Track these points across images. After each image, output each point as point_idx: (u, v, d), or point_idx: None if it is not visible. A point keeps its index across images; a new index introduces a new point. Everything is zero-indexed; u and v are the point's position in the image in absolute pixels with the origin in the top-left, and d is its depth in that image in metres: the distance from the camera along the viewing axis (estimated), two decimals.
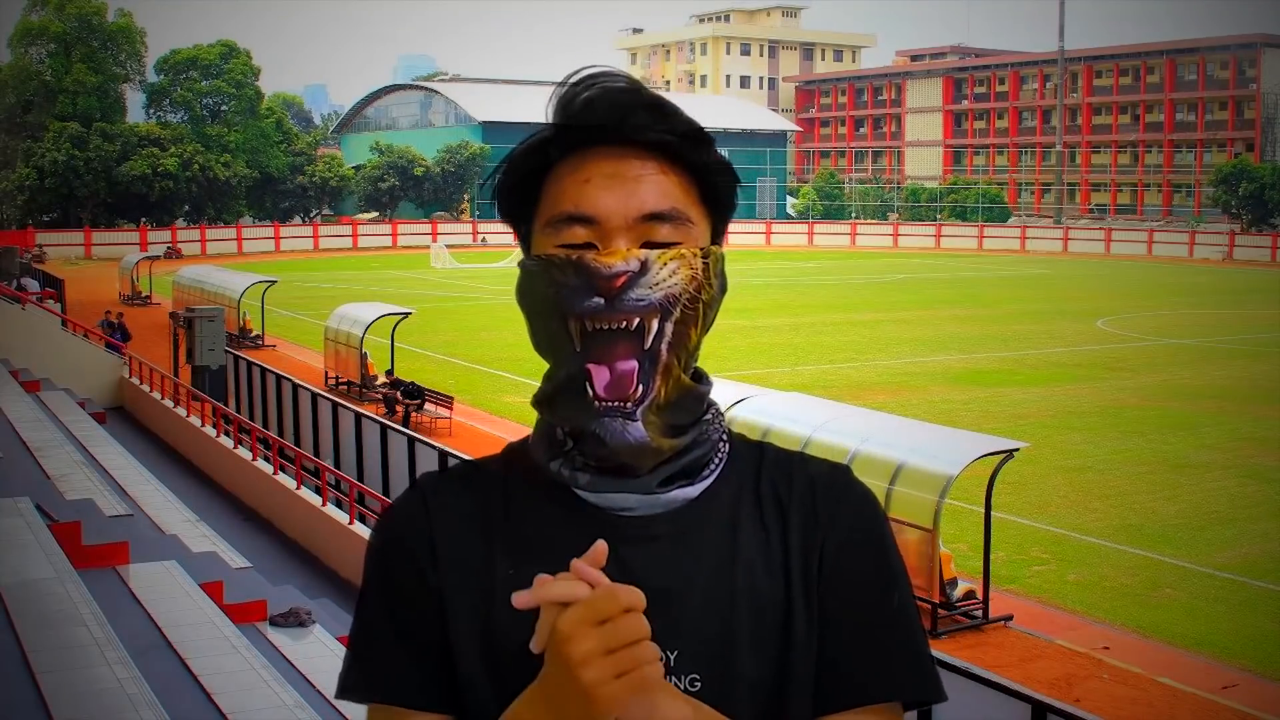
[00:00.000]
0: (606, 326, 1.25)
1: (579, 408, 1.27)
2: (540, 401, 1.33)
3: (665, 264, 1.25)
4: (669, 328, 1.26)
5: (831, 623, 1.30)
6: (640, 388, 1.26)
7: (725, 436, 1.36)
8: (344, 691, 1.33)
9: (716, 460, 1.33)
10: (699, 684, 1.24)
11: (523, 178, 1.32)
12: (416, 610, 1.31)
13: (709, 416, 1.34)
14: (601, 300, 1.24)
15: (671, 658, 1.23)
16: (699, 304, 1.27)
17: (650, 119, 1.28)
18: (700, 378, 1.34)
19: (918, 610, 1.36)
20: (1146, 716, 9.80)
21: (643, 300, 1.24)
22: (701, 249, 1.28)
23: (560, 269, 1.25)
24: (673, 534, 1.29)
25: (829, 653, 1.29)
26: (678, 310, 1.25)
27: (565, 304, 1.26)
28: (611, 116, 1.27)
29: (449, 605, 1.29)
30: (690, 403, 1.31)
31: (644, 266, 1.24)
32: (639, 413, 1.26)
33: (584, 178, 1.27)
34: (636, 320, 1.25)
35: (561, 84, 1.32)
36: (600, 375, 1.26)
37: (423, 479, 1.40)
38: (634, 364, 1.25)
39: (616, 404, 1.25)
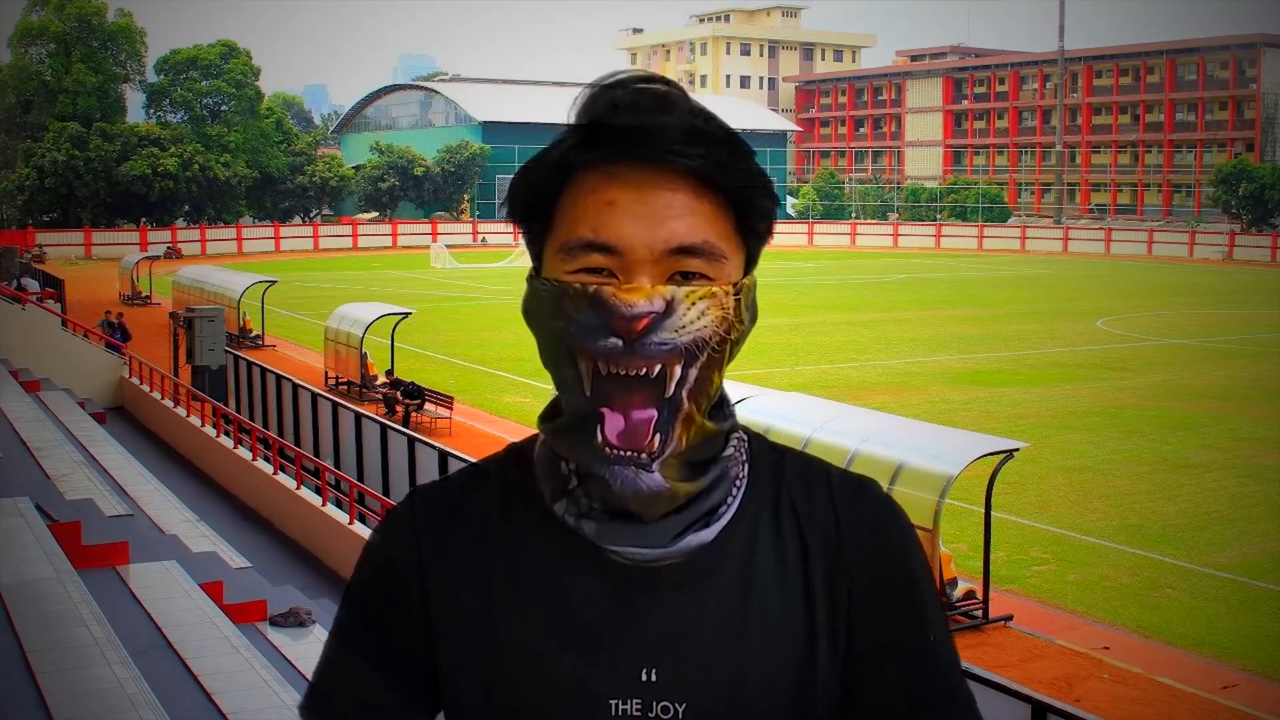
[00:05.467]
0: (622, 372, 1.11)
1: (587, 451, 1.15)
2: (549, 431, 1.21)
3: (694, 304, 1.11)
4: (693, 373, 1.12)
5: (864, 662, 1.20)
6: (657, 438, 1.13)
7: (746, 458, 1.24)
8: (304, 712, 1.27)
9: (735, 492, 1.21)
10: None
11: (539, 190, 1.17)
12: (394, 642, 1.24)
13: (729, 450, 1.21)
14: (619, 342, 1.10)
15: (680, 709, 1.15)
16: (727, 344, 1.14)
17: (686, 141, 1.12)
18: (722, 407, 1.21)
19: (949, 633, 1.26)
20: (1146, 716, 9.80)
21: (666, 344, 1.10)
22: (734, 284, 1.14)
23: (574, 301, 1.11)
24: (684, 579, 1.18)
25: (864, 695, 1.20)
26: (705, 355, 1.12)
27: (576, 341, 1.12)
28: (643, 137, 1.12)
29: (442, 646, 1.22)
30: (711, 443, 1.18)
31: (669, 307, 1.10)
32: (655, 465, 1.13)
33: (607, 199, 1.12)
34: (658, 366, 1.11)
35: (589, 89, 1.17)
36: (614, 422, 1.12)
37: (418, 496, 1.29)
38: (652, 413, 1.12)
39: (629, 453, 1.13)
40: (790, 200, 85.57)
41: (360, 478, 16.01)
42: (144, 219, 65.85)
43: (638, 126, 1.12)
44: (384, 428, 16.29)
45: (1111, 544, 14.02)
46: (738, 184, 1.15)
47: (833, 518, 1.22)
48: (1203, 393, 23.19)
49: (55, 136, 62.88)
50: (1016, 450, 12.39)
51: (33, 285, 32.61)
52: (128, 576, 9.91)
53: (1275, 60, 78.18)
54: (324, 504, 14.88)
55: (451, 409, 20.22)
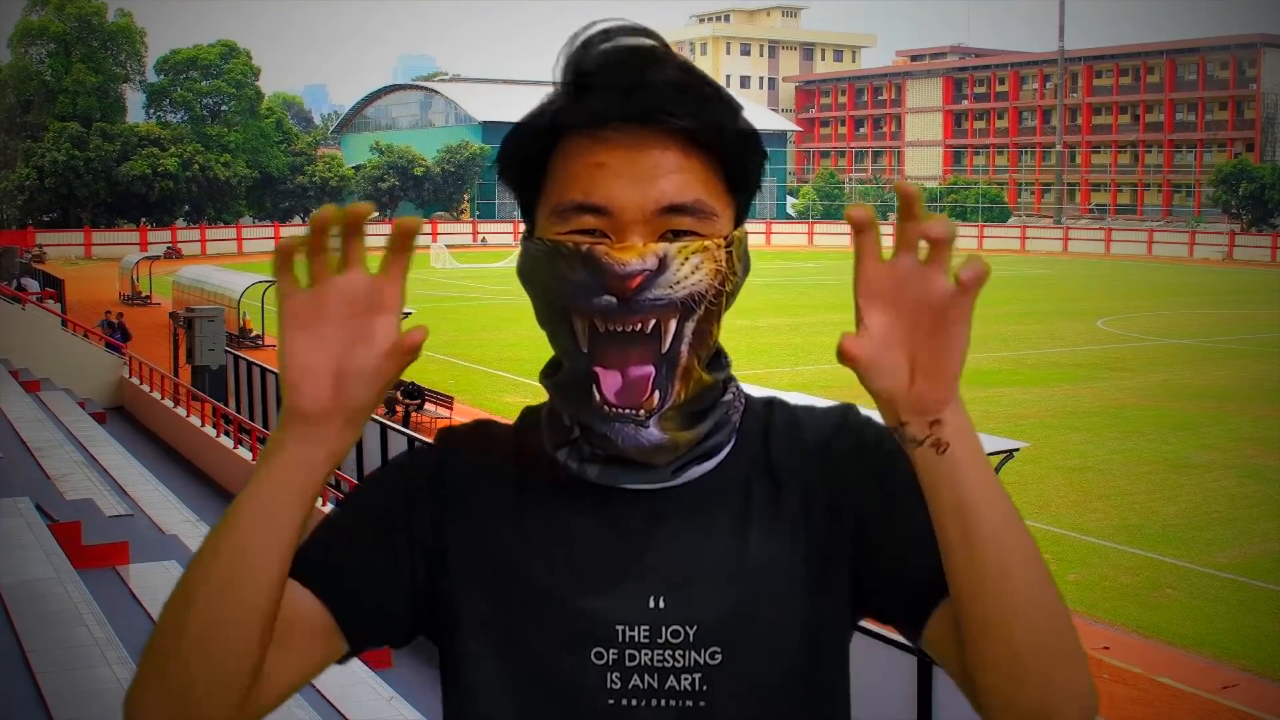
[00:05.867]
0: (619, 329, 1.13)
1: (587, 409, 1.17)
2: (549, 387, 1.23)
3: (687, 259, 1.12)
4: (689, 327, 1.14)
5: (892, 553, 1.19)
6: (657, 394, 1.15)
7: (741, 404, 1.26)
8: None
9: (733, 432, 1.24)
10: (719, 656, 1.17)
11: (529, 153, 1.18)
12: (388, 539, 1.22)
13: (728, 397, 1.24)
14: (614, 300, 1.11)
15: (690, 632, 1.17)
16: (722, 296, 1.16)
17: (674, 100, 1.12)
18: (717, 358, 1.23)
19: None
20: (1146, 716, 9.81)
21: (661, 300, 1.12)
22: (725, 237, 1.15)
23: (567, 260, 1.13)
24: (685, 508, 1.20)
25: (904, 574, 1.18)
26: (701, 308, 1.14)
27: (571, 300, 1.13)
28: (630, 97, 1.12)
29: (448, 578, 1.22)
30: (709, 393, 1.21)
31: (662, 263, 1.11)
32: (652, 421, 1.15)
33: (596, 161, 1.13)
34: (653, 321, 1.13)
35: (571, 45, 1.17)
36: (610, 380, 1.14)
37: (446, 435, 1.30)
38: (650, 369, 1.14)
39: (629, 410, 1.15)
40: (790, 200, 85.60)
41: (360, 478, 15.98)
42: (144, 219, 65.89)
43: (624, 87, 1.12)
44: (384, 427, 16.27)
45: (1111, 544, 14.02)
46: (725, 141, 1.15)
47: (824, 451, 1.24)
48: (1203, 393, 23.19)
49: (55, 136, 62.91)
50: (1016, 450, 12.39)
51: (33, 285, 32.60)
52: (128, 576, 9.91)
53: (1275, 60, 78.23)
54: (324, 504, 14.86)
55: (451, 409, 20.22)
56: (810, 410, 1.29)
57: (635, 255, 1.11)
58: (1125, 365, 26.81)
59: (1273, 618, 11.93)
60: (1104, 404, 22.14)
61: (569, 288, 1.13)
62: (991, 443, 13.05)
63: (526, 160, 1.18)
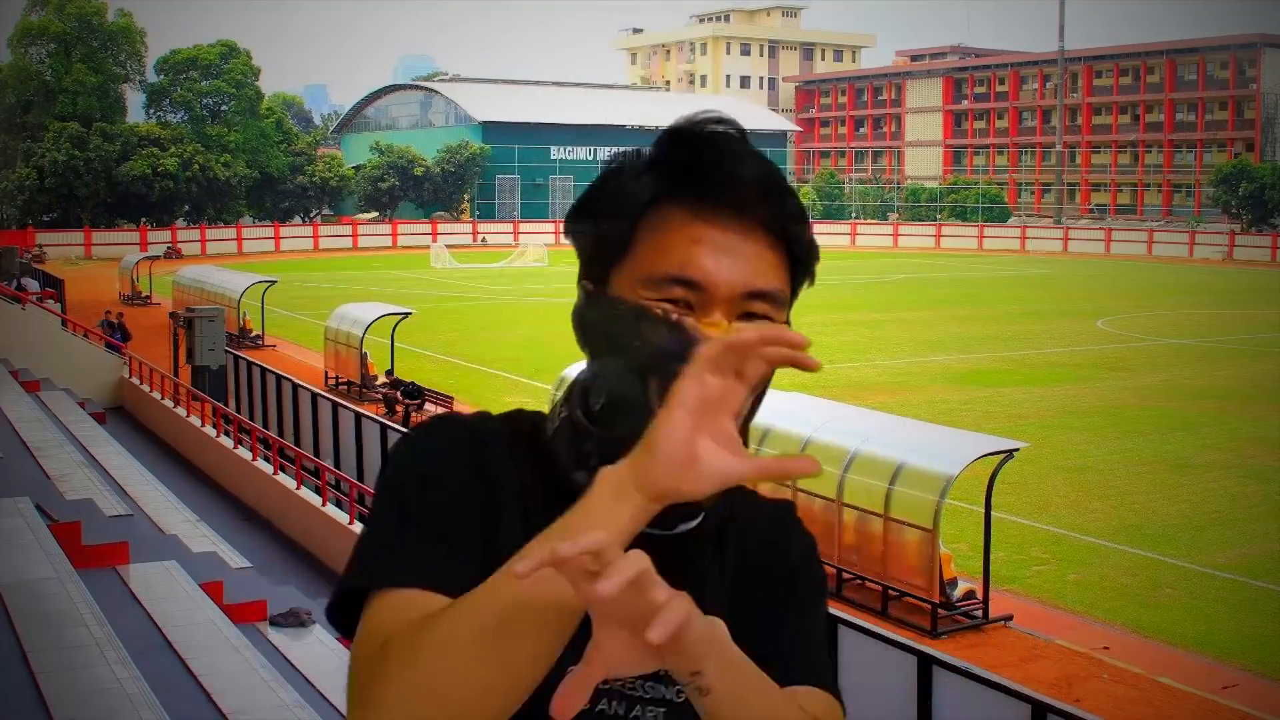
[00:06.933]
0: None
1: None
2: (591, 419, 1.24)
3: None
4: (748, 404, 1.16)
5: (786, 623, 1.32)
6: None
7: None
8: (369, 578, 1.17)
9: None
10: (684, 697, 1.19)
11: (622, 212, 1.24)
12: (462, 511, 1.22)
13: None
14: None
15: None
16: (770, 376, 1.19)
17: (767, 196, 1.22)
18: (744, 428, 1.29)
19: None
20: (1146, 716, 9.81)
21: None
22: (786, 323, 1.24)
23: (653, 327, 1.18)
24: (669, 553, 1.19)
25: (784, 649, 1.28)
26: (764, 389, 1.18)
27: (653, 365, 1.16)
28: (733, 186, 1.21)
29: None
30: None
31: None
32: None
33: (694, 238, 1.20)
34: None
35: (674, 129, 1.25)
36: None
37: (458, 418, 1.32)
38: None
39: None
40: None
41: (360, 478, 16.01)
42: (144, 219, 65.86)
43: (729, 173, 1.21)
44: (384, 428, 16.30)
45: (1111, 544, 14.02)
46: (797, 238, 1.25)
47: (770, 531, 1.36)
48: (1203, 393, 23.19)
49: (55, 136, 62.90)
50: (1016, 450, 12.39)
51: (33, 285, 32.60)
52: (128, 576, 9.91)
53: (1275, 60, 78.20)
54: (324, 504, 14.88)
55: (451, 409, 20.23)
56: (758, 498, 1.39)
57: (720, 333, 1.17)
58: (1125, 365, 26.81)
59: (1273, 618, 11.94)
60: (1104, 404, 22.15)
61: (653, 352, 1.18)
62: (991, 443, 13.05)
63: (618, 219, 1.24)
